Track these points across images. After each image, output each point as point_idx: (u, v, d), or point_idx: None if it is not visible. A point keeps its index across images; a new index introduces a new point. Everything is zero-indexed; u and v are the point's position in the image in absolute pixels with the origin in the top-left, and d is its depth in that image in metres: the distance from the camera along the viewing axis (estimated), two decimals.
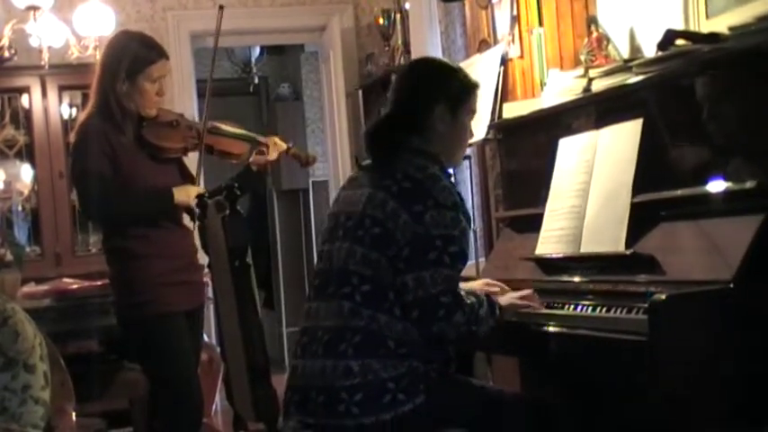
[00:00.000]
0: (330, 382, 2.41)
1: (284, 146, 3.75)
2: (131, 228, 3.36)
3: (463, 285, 2.63)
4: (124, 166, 3.34)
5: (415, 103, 2.62)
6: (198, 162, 3.53)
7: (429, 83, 2.65)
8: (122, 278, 3.41)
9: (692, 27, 2.90)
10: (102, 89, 3.37)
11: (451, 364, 2.60)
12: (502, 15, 4.12)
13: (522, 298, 2.71)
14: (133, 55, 3.36)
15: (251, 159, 3.73)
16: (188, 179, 3.57)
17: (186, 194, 3.40)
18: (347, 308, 2.44)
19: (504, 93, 3.98)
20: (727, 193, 2.39)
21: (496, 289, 2.80)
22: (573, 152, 2.94)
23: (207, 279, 3.78)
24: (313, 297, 2.58)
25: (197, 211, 3.41)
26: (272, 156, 3.73)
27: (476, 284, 2.84)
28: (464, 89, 2.67)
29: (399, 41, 5.53)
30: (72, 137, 3.45)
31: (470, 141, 3.80)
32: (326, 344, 2.45)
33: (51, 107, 5.79)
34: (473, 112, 2.71)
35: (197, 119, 3.85)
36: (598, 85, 3.00)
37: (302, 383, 2.50)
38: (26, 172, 5.82)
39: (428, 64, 2.86)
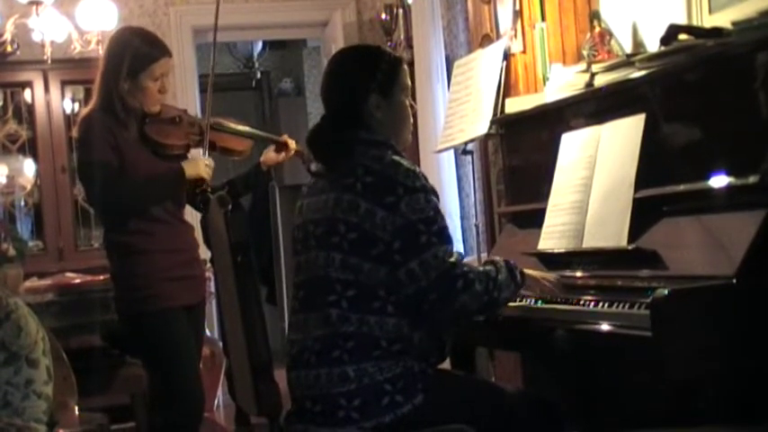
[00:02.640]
0: (326, 390, 2.41)
1: (294, 144, 3.75)
2: (133, 222, 3.36)
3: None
4: (127, 162, 3.34)
5: (348, 98, 2.58)
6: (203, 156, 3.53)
7: (355, 75, 2.60)
8: (123, 273, 3.41)
9: (695, 22, 2.90)
10: (104, 87, 3.37)
11: (446, 356, 2.59)
12: (504, 10, 4.12)
13: (545, 280, 2.67)
14: (135, 53, 3.35)
15: (262, 159, 3.73)
16: None
17: (195, 167, 3.39)
18: (335, 315, 2.42)
19: (506, 88, 3.98)
20: (729, 188, 2.38)
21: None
22: (575, 147, 2.94)
23: (209, 274, 3.78)
24: (298, 309, 2.56)
25: (206, 188, 3.39)
26: (289, 154, 3.72)
27: (541, 276, 2.73)
28: (390, 69, 2.61)
29: (402, 36, 5.52)
30: (75, 131, 3.46)
31: (473, 136, 3.83)
32: (319, 352, 2.44)
33: (54, 102, 5.79)
34: (407, 87, 2.66)
35: (199, 114, 3.85)
36: (600, 80, 2.99)
37: (298, 394, 2.50)
38: (29, 167, 5.82)
39: (349, 56, 2.77)
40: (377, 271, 2.41)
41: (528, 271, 2.61)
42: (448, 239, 2.45)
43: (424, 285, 2.39)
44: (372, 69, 2.59)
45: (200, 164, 3.40)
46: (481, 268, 2.48)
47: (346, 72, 2.64)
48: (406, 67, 2.68)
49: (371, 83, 2.57)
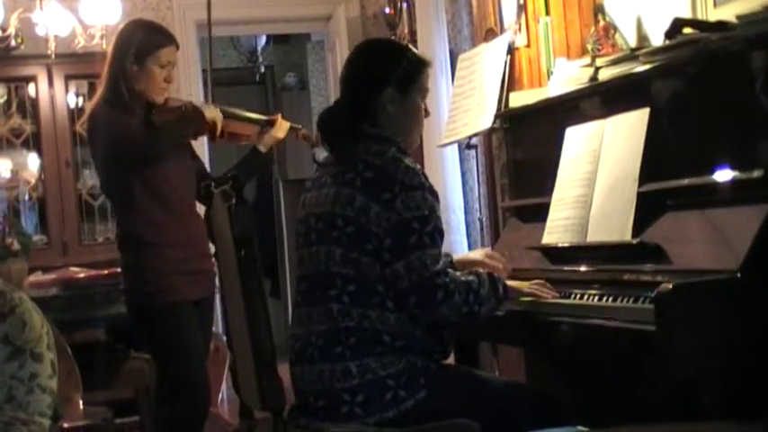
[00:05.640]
0: (329, 386, 2.41)
1: (288, 123, 3.73)
2: (146, 213, 3.36)
3: (461, 256, 2.60)
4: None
5: (364, 87, 2.58)
6: (208, 143, 3.54)
7: (376, 65, 2.60)
8: (134, 266, 3.42)
9: (700, 15, 2.90)
10: (111, 71, 3.41)
11: (449, 352, 2.59)
12: (508, 4, 4.11)
13: (531, 287, 2.67)
14: (142, 38, 3.40)
15: (260, 141, 3.71)
16: (197, 162, 3.60)
17: (214, 111, 3.45)
18: (336, 310, 2.42)
19: (510, 82, 3.97)
20: (733, 182, 2.38)
21: (498, 264, 2.76)
22: (579, 141, 2.94)
23: (215, 269, 3.79)
24: (300, 303, 2.56)
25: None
26: (281, 133, 3.70)
27: (476, 255, 2.83)
28: (413, 68, 2.60)
29: (405, 31, 5.51)
30: (84, 126, 3.49)
31: (477, 131, 3.82)
32: (321, 348, 2.44)
33: (58, 96, 5.79)
34: (425, 90, 2.65)
35: None
36: (605, 74, 2.99)
37: (301, 388, 2.50)
38: (33, 161, 5.82)
39: (374, 46, 2.82)
40: (374, 266, 2.41)
41: (511, 283, 2.61)
42: (439, 242, 2.44)
43: (405, 287, 2.39)
44: (394, 63, 2.59)
45: (217, 110, 3.44)
46: (464, 278, 2.46)
47: (368, 60, 2.65)
48: (429, 71, 2.66)
49: (390, 75, 2.57)
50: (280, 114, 3.80)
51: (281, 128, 3.69)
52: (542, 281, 2.71)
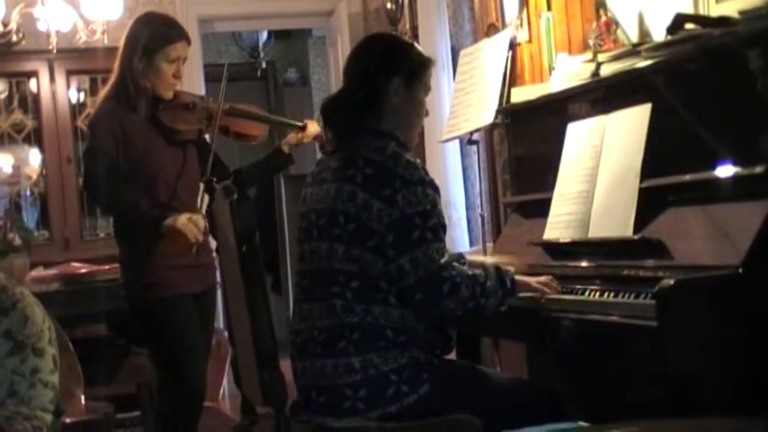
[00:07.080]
0: (332, 381, 2.41)
1: (315, 126, 3.72)
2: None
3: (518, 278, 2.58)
4: (137, 149, 3.36)
5: (370, 77, 2.59)
6: (210, 143, 3.53)
7: (384, 57, 2.62)
8: (131, 259, 3.43)
9: (702, 11, 2.89)
10: (120, 67, 3.41)
11: (452, 347, 2.59)
12: None
13: (539, 283, 2.66)
14: (153, 33, 3.38)
15: (283, 141, 3.71)
16: (206, 157, 3.58)
17: (173, 220, 3.32)
18: (339, 306, 2.42)
19: (512, 77, 3.97)
20: (735, 178, 2.38)
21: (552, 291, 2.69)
22: (581, 137, 2.94)
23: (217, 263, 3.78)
24: (303, 298, 2.56)
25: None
26: (309, 137, 3.69)
27: (533, 280, 2.68)
28: (420, 65, 2.63)
29: (407, 26, 5.51)
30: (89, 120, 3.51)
31: (479, 126, 3.82)
32: (324, 343, 2.44)
33: (59, 91, 5.78)
34: (428, 88, 2.67)
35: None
36: (606, 70, 2.99)
37: (303, 384, 2.50)
38: (34, 156, 5.82)
39: (383, 39, 2.85)
40: (376, 263, 2.41)
41: (519, 277, 2.60)
42: (442, 236, 2.44)
43: (411, 283, 2.39)
44: (404, 55, 2.62)
45: (180, 218, 3.29)
46: (470, 272, 2.46)
47: (379, 49, 2.67)
48: (433, 70, 2.69)
49: (399, 67, 2.59)
50: (310, 121, 3.78)
51: (313, 130, 3.69)
52: (550, 277, 2.70)
